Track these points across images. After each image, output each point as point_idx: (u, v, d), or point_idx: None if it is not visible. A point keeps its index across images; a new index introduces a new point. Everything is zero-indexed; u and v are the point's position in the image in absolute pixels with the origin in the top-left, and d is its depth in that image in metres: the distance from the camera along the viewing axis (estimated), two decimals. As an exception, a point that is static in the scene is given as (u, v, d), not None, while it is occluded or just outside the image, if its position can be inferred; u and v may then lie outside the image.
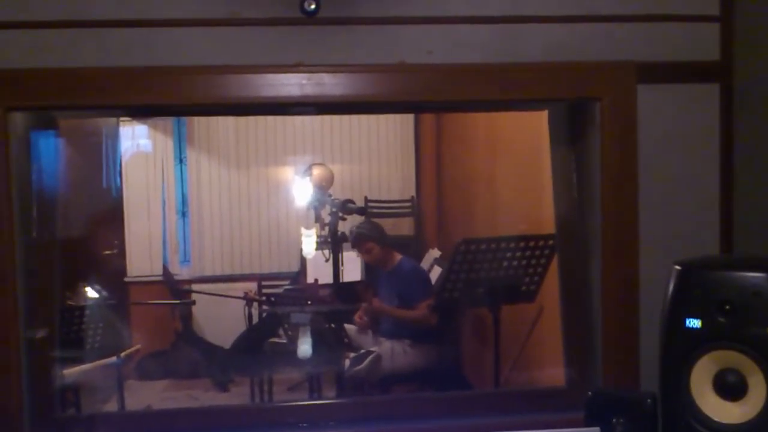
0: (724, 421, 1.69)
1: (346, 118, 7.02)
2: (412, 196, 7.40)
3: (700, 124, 2.30)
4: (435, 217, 7.23)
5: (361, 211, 4.78)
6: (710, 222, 2.31)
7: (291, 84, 2.14)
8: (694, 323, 1.70)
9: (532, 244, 3.89)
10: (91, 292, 4.89)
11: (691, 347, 1.71)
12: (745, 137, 2.27)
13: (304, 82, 2.14)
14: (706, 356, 1.70)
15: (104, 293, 4.99)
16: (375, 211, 7.11)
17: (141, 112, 4.24)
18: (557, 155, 2.52)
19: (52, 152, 2.33)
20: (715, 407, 1.71)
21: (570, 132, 2.45)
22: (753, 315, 1.64)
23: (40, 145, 2.27)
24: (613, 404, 1.91)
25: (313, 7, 2.12)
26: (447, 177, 6.97)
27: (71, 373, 3.93)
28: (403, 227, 7.26)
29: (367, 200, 7.18)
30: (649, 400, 1.87)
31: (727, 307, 1.67)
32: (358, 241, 5.12)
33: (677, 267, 1.78)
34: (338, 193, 6.02)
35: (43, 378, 2.28)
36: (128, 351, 4.58)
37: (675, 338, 1.74)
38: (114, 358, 4.32)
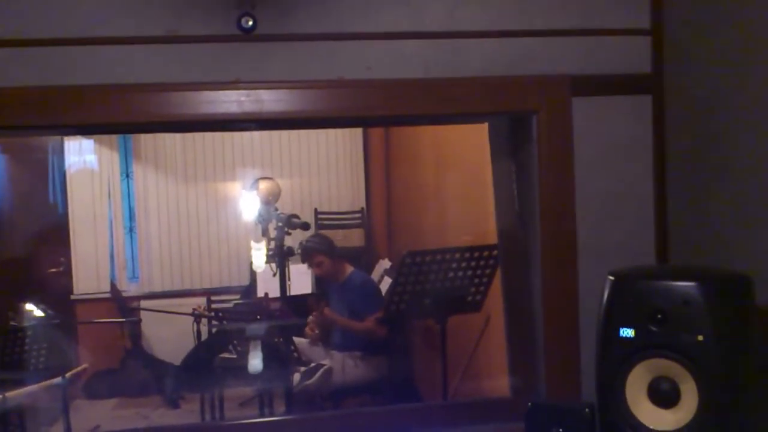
0: (659, 429, 1.72)
1: (294, 131, 7.01)
2: (362, 208, 7.41)
3: (634, 136, 2.34)
4: (385, 228, 7.25)
5: (305, 227, 4.76)
6: (646, 232, 2.36)
7: (230, 101, 2.14)
8: (628, 332, 1.73)
9: (476, 254, 3.91)
10: (35, 311, 4.80)
11: (625, 356, 1.74)
12: (678, 148, 2.32)
13: (242, 98, 2.14)
14: (639, 365, 1.73)
15: (49, 312, 4.89)
16: (325, 222, 7.11)
17: (81, 131, 4.19)
18: (498, 167, 2.55)
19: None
20: (650, 415, 1.73)
21: (510, 144, 2.48)
22: (684, 323, 1.67)
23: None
24: (552, 415, 1.94)
25: (250, 23, 2.12)
26: (396, 188, 7.00)
27: (14, 395, 3.86)
28: (354, 238, 7.26)
29: (317, 212, 7.18)
30: (586, 410, 1.90)
31: (659, 316, 1.70)
32: (308, 255, 5.11)
33: (611, 277, 1.81)
34: (288, 206, 6.01)
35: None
36: (74, 371, 4.48)
37: (610, 348, 1.77)
38: (59, 379, 4.23)
